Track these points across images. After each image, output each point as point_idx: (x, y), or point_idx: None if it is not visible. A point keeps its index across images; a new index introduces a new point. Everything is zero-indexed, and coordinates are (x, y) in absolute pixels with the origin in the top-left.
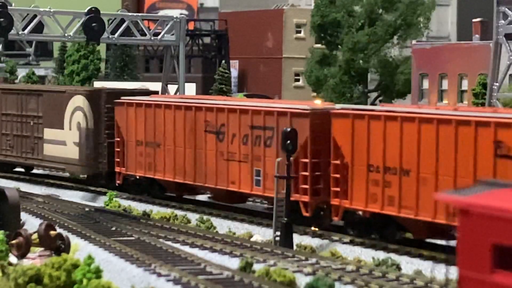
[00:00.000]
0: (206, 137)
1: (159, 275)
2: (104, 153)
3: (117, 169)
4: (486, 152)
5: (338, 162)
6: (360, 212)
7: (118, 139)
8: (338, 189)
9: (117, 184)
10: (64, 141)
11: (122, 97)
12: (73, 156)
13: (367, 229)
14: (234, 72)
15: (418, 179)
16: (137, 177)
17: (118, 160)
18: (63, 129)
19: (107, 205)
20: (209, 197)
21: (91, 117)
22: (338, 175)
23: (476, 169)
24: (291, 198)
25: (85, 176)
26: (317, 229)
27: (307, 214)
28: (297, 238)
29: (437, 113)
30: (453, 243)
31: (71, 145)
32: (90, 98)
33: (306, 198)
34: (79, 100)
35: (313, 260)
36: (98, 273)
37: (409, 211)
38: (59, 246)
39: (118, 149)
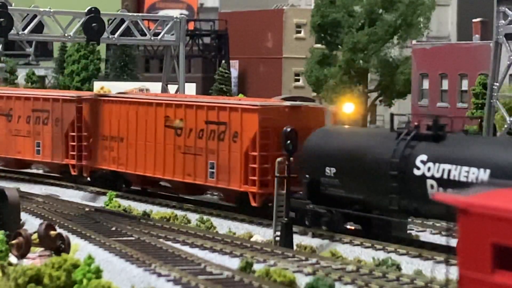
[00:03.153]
0: None
1: (159, 275)
2: None
3: None
4: (161, 124)
5: (86, 134)
6: (104, 170)
7: None
8: (86, 153)
9: None
10: None
11: None
12: None
13: (106, 183)
14: (234, 72)
15: (127, 144)
16: None
17: None
18: None
19: (107, 205)
20: (1, 165)
21: None
22: (86, 143)
23: (156, 136)
24: (63, 162)
25: None
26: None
27: (74, 173)
28: (297, 238)
29: (138, 97)
30: (453, 243)
31: None
32: None
33: (73, 162)
34: None
35: (313, 260)
36: (98, 273)
37: (123, 167)
38: (59, 246)
39: None
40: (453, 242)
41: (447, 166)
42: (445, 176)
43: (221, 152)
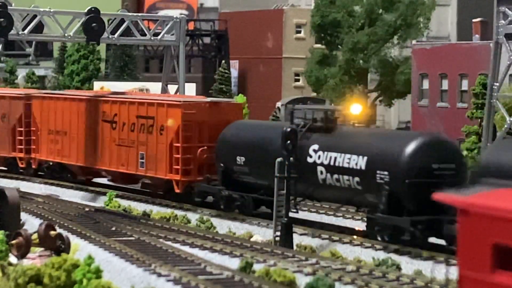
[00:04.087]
0: None
1: (159, 275)
2: None
3: None
4: (98, 118)
5: (34, 128)
6: (51, 162)
7: None
8: (34, 146)
9: None
10: None
11: None
12: None
13: (53, 174)
14: (234, 72)
15: (70, 138)
16: None
17: None
18: None
19: (107, 205)
20: None
21: None
22: (34, 137)
23: (94, 130)
24: (10, 155)
25: None
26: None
27: (22, 165)
28: (297, 238)
29: (79, 94)
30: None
31: None
32: None
33: (21, 155)
34: None
35: (313, 260)
36: (98, 273)
37: (67, 159)
38: (59, 246)
39: None
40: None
41: (333, 154)
42: (332, 163)
43: (150, 143)
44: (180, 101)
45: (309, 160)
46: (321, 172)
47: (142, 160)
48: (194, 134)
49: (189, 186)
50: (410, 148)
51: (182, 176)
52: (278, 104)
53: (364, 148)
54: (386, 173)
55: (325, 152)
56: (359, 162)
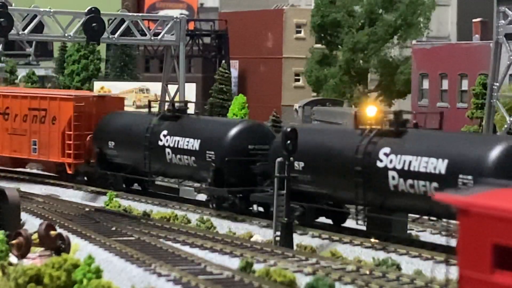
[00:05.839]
0: None
1: (159, 275)
2: None
3: None
4: None
5: None
6: None
7: None
8: None
9: None
10: None
11: None
12: None
13: None
14: (234, 72)
15: None
16: None
17: None
18: None
19: (107, 205)
20: None
21: None
22: None
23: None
24: None
25: None
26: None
27: None
28: (297, 238)
29: None
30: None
31: None
32: None
33: None
34: None
35: (313, 260)
36: (98, 273)
37: None
38: (59, 246)
39: None
40: (453, 242)
41: (177, 138)
42: (176, 145)
43: (42, 132)
44: (71, 95)
45: (160, 143)
46: (168, 153)
47: (34, 147)
48: (84, 123)
49: (77, 168)
50: (231, 132)
51: (74, 160)
52: (296, 105)
53: (199, 133)
54: (212, 152)
55: (172, 137)
56: (195, 144)
